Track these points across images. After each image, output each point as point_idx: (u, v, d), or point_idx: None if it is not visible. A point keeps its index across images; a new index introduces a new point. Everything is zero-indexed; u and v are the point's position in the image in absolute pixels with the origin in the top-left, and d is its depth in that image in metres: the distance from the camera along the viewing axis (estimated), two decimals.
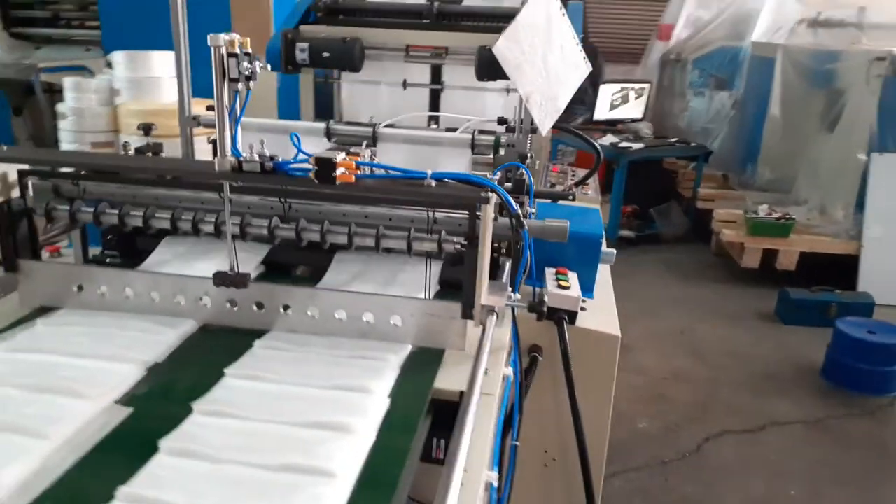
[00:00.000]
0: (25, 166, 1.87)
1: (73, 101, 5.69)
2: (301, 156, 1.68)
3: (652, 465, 3.21)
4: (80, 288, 1.83)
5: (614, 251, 2.33)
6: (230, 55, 1.60)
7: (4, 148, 1.84)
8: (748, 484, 3.16)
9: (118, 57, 6.28)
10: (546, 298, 1.80)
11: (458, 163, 2.63)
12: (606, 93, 7.41)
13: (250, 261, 1.96)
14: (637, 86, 7.54)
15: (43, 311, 1.84)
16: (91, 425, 1.36)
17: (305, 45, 3.79)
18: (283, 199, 1.86)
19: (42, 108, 7.77)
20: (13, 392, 1.44)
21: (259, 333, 1.76)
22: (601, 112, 7.42)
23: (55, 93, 8.05)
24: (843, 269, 5.44)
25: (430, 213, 1.80)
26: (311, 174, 1.59)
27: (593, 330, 2.07)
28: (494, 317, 1.64)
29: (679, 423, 3.60)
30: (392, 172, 1.67)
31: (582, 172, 4.12)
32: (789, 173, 6.55)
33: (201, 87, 6.47)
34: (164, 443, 1.29)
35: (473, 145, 2.60)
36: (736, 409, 3.79)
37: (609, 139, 6.77)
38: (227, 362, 1.59)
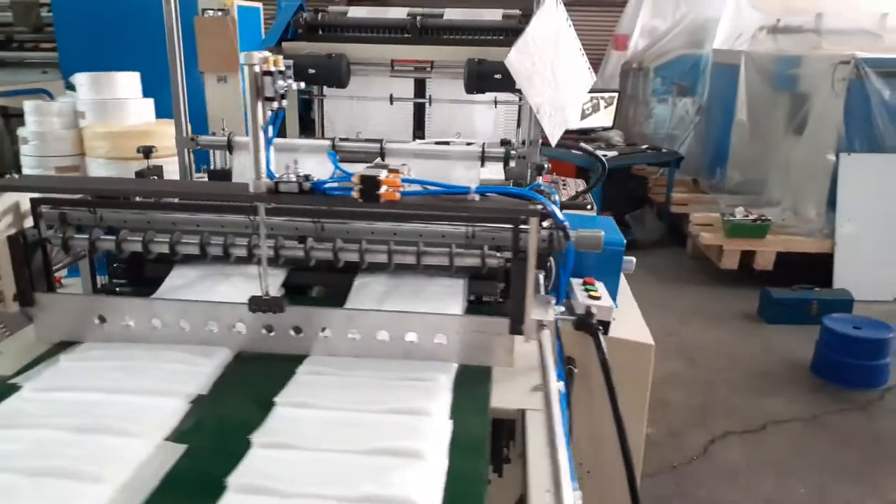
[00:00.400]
0: (37, 194, 1.78)
1: (34, 124, 5.50)
2: (337, 174, 1.64)
3: (664, 471, 3.21)
4: (103, 319, 1.75)
5: (634, 259, 2.33)
6: (265, 73, 1.55)
7: (17, 176, 1.75)
8: (758, 484, 3.19)
9: (81, 79, 6.11)
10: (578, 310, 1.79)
11: (467, 176, 2.61)
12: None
13: (270, 284, 1.89)
14: (607, 94, 7.63)
15: (62, 345, 1.75)
16: (147, 465, 1.29)
17: (290, 62, 3.72)
18: (316, 220, 1.80)
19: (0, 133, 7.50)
20: (54, 434, 1.36)
21: (296, 358, 1.70)
22: (573, 121, 7.48)
23: (11, 117, 7.79)
24: (818, 268, 5.57)
25: (469, 229, 1.76)
26: (355, 193, 1.54)
27: (627, 339, 2.06)
28: (548, 331, 1.61)
29: (682, 427, 3.62)
30: (432, 188, 1.64)
31: (571, 182, 4.14)
32: (758, 176, 6.70)
33: (164, 107, 6.34)
34: (232, 480, 1.23)
35: (483, 158, 2.58)
36: (735, 410, 3.83)
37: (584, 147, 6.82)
38: (271, 391, 1.53)
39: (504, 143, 2.84)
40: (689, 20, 9.14)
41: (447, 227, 1.80)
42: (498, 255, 1.72)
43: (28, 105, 5.70)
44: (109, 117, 5.91)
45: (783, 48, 6.84)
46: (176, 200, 1.98)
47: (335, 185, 1.60)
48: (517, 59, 2.28)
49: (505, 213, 1.64)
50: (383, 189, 1.53)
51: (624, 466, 1.84)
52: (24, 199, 1.75)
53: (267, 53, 1.58)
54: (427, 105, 4.04)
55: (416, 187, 1.68)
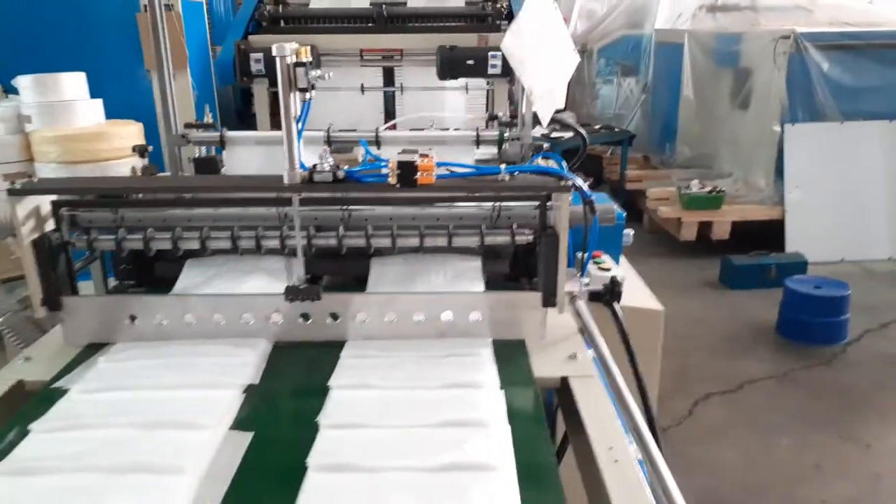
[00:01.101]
0: (57, 196, 1.76)
1: None
2: (370, 160, 1.68)
3: None
4: (133, 319, 1.74)
5: (632, 231, 2.43)
6: (298, 64, 1.57)
7: (36, 179, 1.72)
8: (744, 440, 3.37)
9: (24, 81, 5.88)
10: (588, 282, 1.87)
11: (463, 160, 2.66)
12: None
13: (284, 276, 1.89)
14: None
15: (91, 348, 1.73)
16: (221, 455, 1.30)
17: (260, 55, 3.71)
18: (344, 208, 1.82)
19: None
20: (120, 432, 1.36)
21: (333, 345, 1.72)
22: (560, 102, 7.59)
23: None
24: (771, 234, 5.84)
25: (496, 208, 1.81)
26: (392, 179, 1.58)
27: (637, 307, 2.16)
28: (581, 301, 1.69)
29: (666, 392, 3.76)
30: (462, 171, 1.69)
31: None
32: (708, 149, 6.96)
33: (112, 107, 6.16)
34: (311, 461, 1.26)
35: (478, 141, 2.64)
36: (712, 373, 4.01)
37: (539, 130, 6.94)
38: (319, 376, 1.56)
39: (493, 118, 2.90)
40: (627, 2, 9.36)
41: (472, 208, 1.85)
42: (526, 231, 1.78)
43: None
44: (58, 120, 5.72)
45: (723, 26, 7.11)
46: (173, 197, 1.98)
47: (371, 172, 1.63)
48: (511, 42, 2.34)
49: (539, 189, 1.70)
50: (419, 174, 1.58)
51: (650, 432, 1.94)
52: (45, 203, 1.72)
53: (295, 45, 1.59)
54: (399, 93, 4.06)
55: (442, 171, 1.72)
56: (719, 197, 5.97)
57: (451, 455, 1.26)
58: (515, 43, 2.37)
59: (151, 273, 2.05)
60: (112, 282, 2.03)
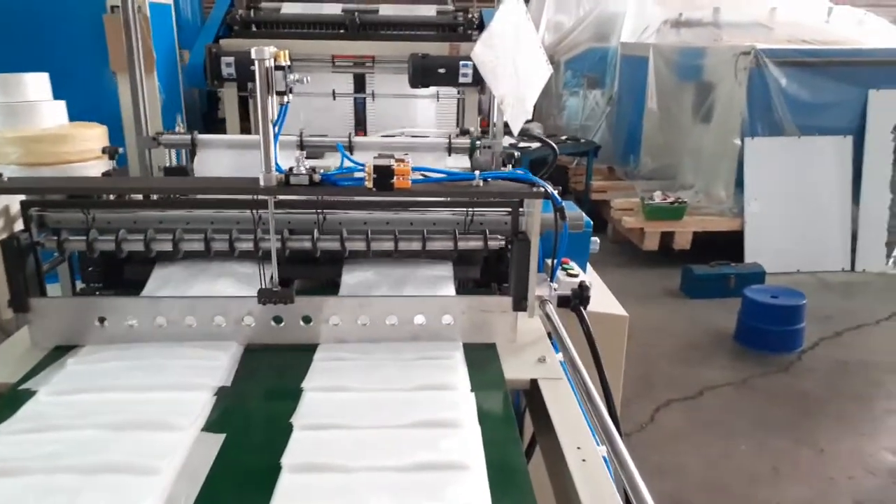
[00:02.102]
0: (26, 196, 1.74)
1: None
2: (346, 164, 1.69)
3: None
4: (103, 321, 1.72)
5: (597, 239, 2.49)
6: (277, 68, 1.58)
7: (6, 178, 1.70)
8: (704, 445, 3.45)
9: None
10: (557, 287, 1.91)
11: (436, 167, 2.69)
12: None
13: (255, 280, 1.89)
14: None
15: (58, 350, 1.71)
16: (194, 456, 1.31)
17: (231, 59, 3.69)
18: (319, 211, 1.84)
19: None
20: (91, 433, 1.35)
21: (305, 348, 1.73)
22: (530, 112, 7.67)
23: None
24: (731, 244, 5.99)
25: (469, 214, 1.85)
26: (368, 182, 1.60)
27: (602, 312, 2.21)
28: (551, 305, 1.73)
29: (630, 397, 3.84)
30: (437, 176, 1.72)
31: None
32: (671, 161, 7.12)
33: (75, 109, 6.07)
34: (286, 461, 1.27)
35: (450, 149, 2.67)
36: (673, 379, 4.10)
37: (507, 140, 7.02)
38: (292, 378, 1.57)
39: (464, 132, 2.93)
40: (594, 15, 9.51)
41: (446, 214, 1.88)
42: (499, 237, 1.82)
43: None
44: (20, 121, 5.60)
45: (687, 41, 7.28)
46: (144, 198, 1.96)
47: (347, 176, 1.65)
48: (482, 52, 2.37)
49: (512, 195, 1.74)
50: (396, 178, 1.60)
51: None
52: (14, 202, 1.71)
53: (273, 49, 1.61)
54: (371, 100, 4.07)
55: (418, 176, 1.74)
56: (681, 207, 6.10)
57: (424, 454, 1.29)
58: (486, 52, 2.40)
59: (120, 276, 2.03)
60: (80, 285, 2.01)
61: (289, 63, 1.63)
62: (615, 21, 8.93)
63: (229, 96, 3.98)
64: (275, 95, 1.61)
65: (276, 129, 1.65)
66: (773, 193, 6.07)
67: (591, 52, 9.19)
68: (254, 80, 3.69)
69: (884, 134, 6.02)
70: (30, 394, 1.50)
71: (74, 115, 6.00)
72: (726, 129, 6.23)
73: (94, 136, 5.83)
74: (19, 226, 1.74)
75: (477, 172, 1.69)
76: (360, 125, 4.13)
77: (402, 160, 1.67)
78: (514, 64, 2.58)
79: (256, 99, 1.60)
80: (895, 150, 6.02)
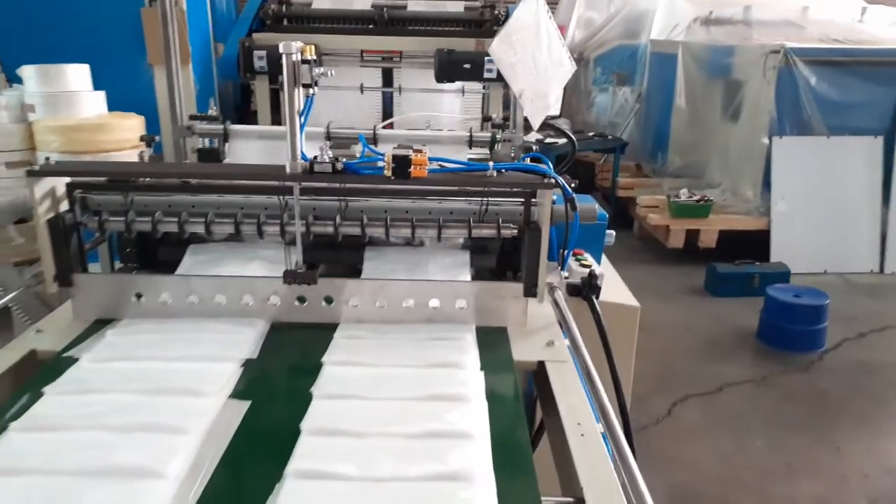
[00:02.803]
0: (71, 179, 1.87)
1: None
2: (367, 154, 1.79)
3: (634, 431, 3.46)
4: (139, 297, 1.85)
5: (613, 232, 2.55)
6: (304, 61, 1.68)
7: (54, 161, 1.83)
8: (719, 439, 3.49)
9: (28, 71, 5.97)
10: (567, 276, 1.99)
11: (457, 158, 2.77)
12: None
13: (281, 264, 2.00)
14: None
15: (98, 323, 1.84)
16: (221, 419, 1.42)
17: (263, 52, 3.81)
18: (342, 198, 1.94)
19: None
20: (127, 397, 1.47)
21: (326, 327, 1.83)
22: (555, 108, 7.73)
23: None
24: (756, 243, 5.98)
25: (483, 204, 1.93)
26: (387, 171, 1.69)
27: (615, 302, 2.28)
28: (560, 291, 1.81)
29: (646, 392, 3.89)
30: (454, 166, 1.81)
31: None
32: (698, 159, 7.11)
33: (113, 100, 6.26)
34: (304, 425, 1.37)
35: (471, 142, 2.75)
36: (692, 375, 4.13)
37: (534, 136, 7.07)
38: (314, 354, 1.67)
39: (486, 119, 3.01)
40: (625, 12, 9.51)
41: (462, 203, 1.96)
42: (512, 226, 1.90)
43: None
44: (61, 111, 5.82)
45: (717, 38, 7.25)
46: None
47: (367, 164, 1.74)
48: (499, 47, 2.44)
49: (524, 186, 1.82)
50: (413, 167, 1.69)
51: (622, 424, 2.06)
52: (60, 184, 1.83)
53: (300, 43, 1.70)
54: (397, 94, 4.17)
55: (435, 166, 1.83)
56: (707, 206, 6.10)
57: (433, 424, 1.38)
58: (504, 48, 2.48)
59: (155, 257, 2.15)
60: (118, 265, 2.14)
61: (314, 57, 1.73)
62: (645, 18, 8.92)
63: (261, 88, 4.11)
64: (301, 88, 1.71)
65: (302, 119, 1.75)
66: (801, 193, 6.03)
67: (621, 48, 9.19)
68: (282, 73, 3.82)
69: None
70: (73, 361, 1.63)
71: (114, 106, 6.20)
72: (754, 127, 6.21)
73: (132, 125, 6.03)
74: (65, 206, 1.86)
75: (491, 163, 1.78)
76: (388, 118, 4.23)
77: (420, 150, 1.77)
78: (535, 60, 2.65)
79: (284, 91, 1.70)
80: None
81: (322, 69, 1.73)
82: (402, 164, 1.68)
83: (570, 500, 1.28)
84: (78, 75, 6.12)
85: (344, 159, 1.79)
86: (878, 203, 6.02)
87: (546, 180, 1.76)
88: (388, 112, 4.24)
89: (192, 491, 1.21)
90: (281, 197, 1.91)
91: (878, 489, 3.15)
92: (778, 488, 3.13)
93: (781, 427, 3.63)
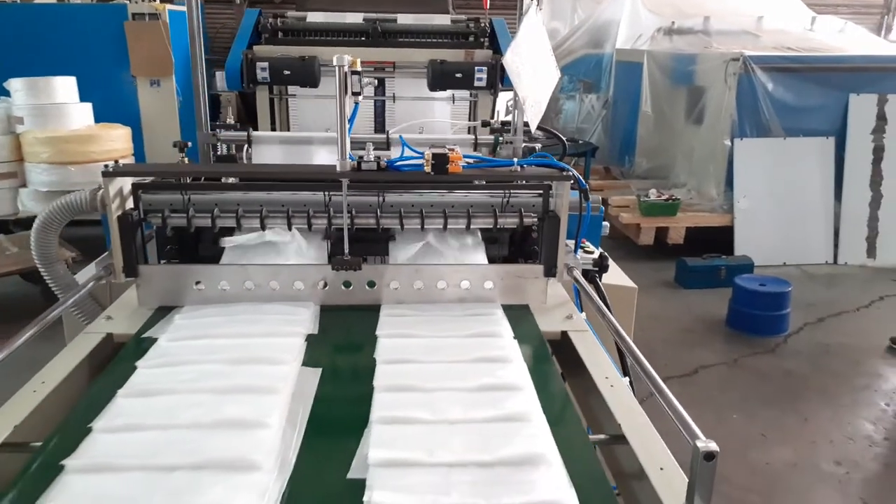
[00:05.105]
0: (135, 180, 2.06)
1: None
2: (407, 152, 2.03)
3: None
4: (198, 284, 2.04)
5: (608, 224, 2.82)
6: (353, 72, 1.91)
7: (122, 164, 2.02)
8: (700, 415, 3.76)
9: (16, 84, 6.08)
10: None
11: None
12: (501, 99, 8.02)
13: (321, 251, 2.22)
14: None
15: (161, 310, 2.03)
16: (301, 382, 1.63)
17: (266, 63, 4.02)
18: (379, 193, 2.16)
19: None
20: (213, 367, 1.67)
21: (370, 308, 2.06)
22: (499, 116, 8.04)
23: None
24: (721, 239, 6.36)
25: (506, 196, 2.18)
26: (427, 167, 1.93)
27: (615, 284, 2.55)
28: (578, 271, 2.07)
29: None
30: (482, 163, 2.06)
31: None
32: (664, 161, 7.49)
33: (102, 111, 6.41)
34: (377, 383, 1.60)
35: (476, 145, 3.00)
36: (670, 360, 4.44)
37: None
38: (365, 330, 1.90)
39: (485, 124, 3.26)
40: (590, 23, 9.90)
41: (484, 196, 2.21)
42: (532, 215, 2.15)
43: None
44: (49, 122, 5.91)
45: (679, 47, 7.66)
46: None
47: (407, 162, 1.98)
48: (511, 58, 2.70)
49: (545, 178, 2.08)
50: (450, 164, 1.93)
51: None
52: (126, 184, 2.03)
53: (349, 57, 1.93)
54: (392, 102, 4.40)
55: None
56: (675, 204, 6.46)
57: (486, 379, 1.62)
58: (514, 59, 2.75)
59: (195, 252, 2.35)
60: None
61: (360, 69, 1.96)
62: (609, 29, 9.30)
63: (261, 98, 4.30)
64: (351, 96, 1.94)
65: (350, 124, 1.98)
66: (761, 191, 6.43)
67: (587, 58, 9.56)
68: (284, 83, 4.02)
69: (863, 135, 6.41)
70: (151, 341, 1.82)
71: (98, 117, 6.30)
72: (717, 130, 6.60)
73: (119, 136, 6.17)
74: (130, 205, 2.06)
75: (515, 159, 2.03)
76: (381, 125, 4.45)
77: (453, 149, 2.01)
78: (534, 69, 2.92)
79: (336, 99, 1.92)
80: (874, 150, 6.41)
81: (368, 79, 1.96)
82: (440, 162, 1.92)
83: (609, 436, 1.53)
84: (65, 87, 6.24)
85: (385, 159, 2.02)
86: (831, 199, 6.45)
87: (564, 173, 2.02)
88: (380, 119, 4.46)
89: (294, 439, 1.43)
90: (326, 193, 2.12)
91: (842, 453, 3.48)
92: (756, 454, 3.45)
93: (754, 402, 3.95)
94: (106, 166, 1.92)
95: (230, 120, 3.04)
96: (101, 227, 4.30)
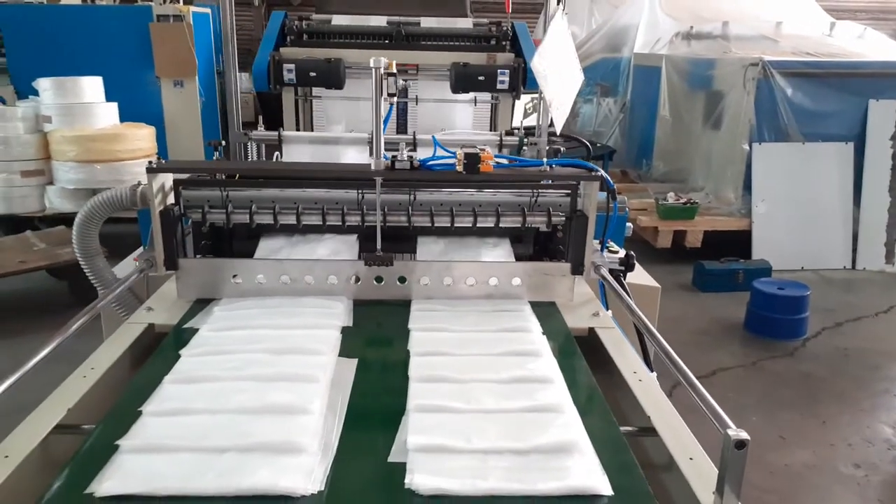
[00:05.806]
0: (176, 176, 2.13)
1: None
2: (440, 152, 2.09)
3: None
4: (235, 277, 2.11)
5: (632, 225, 2.87)
6: (389, 74, 1.97)
7: (164, 161, 2.09)
8: None
9: (45, 83, 6.20)
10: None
11: None
12: (520, 102, 8.07)
13: (350, 248, 2.28)
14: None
15: (199, 302, 2.10)
16: (339, 371, 1.69)
17: (292, 65, 4.10)
18: (411, 191, 2.22)
19: None
20: (259, 356, 1.74)
21: (401, 303, 2.12)
22: (516, 120, 8.08)
23: None
24: (739, 243, 6.36)
25: (534, 195, 2.23)
26: (459, 167, 1.99)
27: (638, 284, 2.59)
28: (605, 269, 2.11)
29: None
30: (514, 163, 2.11)
31: None
32: (682, 165, 7.50)
33: (126, 111, 6.52)
34: (412, 373, 1.66)
35: (501, 146, 3.06)
36: (688, 362, 4.42)
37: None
38: (397, 324, 1.96)
39: (509, 133, 3.32)
40: (608, 27, 9.94)
41: (511, 196, 2.26)
42: (560, 214, 2.20)
43: None
44: (76, 121, 6.02)
45: (697, 52, 7.67)
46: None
47: (440, 162, 2.04)
48: (538, 62, 2.76)
49: (575, 179, 2.13)
50: (482, 163, 1.99)
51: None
52: (168, 180, 2.10)
53: (385, 59, 1.99)
54: (414, 104, 4.46)
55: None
56: (694, 208, 6.48)
57: (517, 371, 1.68)
58: (541, 62, 2.80)
59: (230, 247, 2.42)
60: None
61: (396, 72, 2.01)
62: (627, 33, 9.33)
63: (287, 99, 4.38)
64: (386, 97, 2.00)
65: (384, 125, 2.04)
66: (779, 196, 6.44)
67: (604, 61, 9.59)
68: (310, 85, 4.09)
69: (883, 141, 6.40)
70: (193, 331, 1.89)
71: (122, 117, 6.42)
72: (735, 135, 6.62)
73: (144, 135, 6.27)
74: (171, 200, 2.13)
75: (544, 159, 2.08)
76: (403, 126, 4.51)
77: (484, 149, 2.07)
78: (560, 72, 2.98)
79: (372, 100, 1.98)
80: (893, 156, 6.40)
81: (403, 81, 2.02)
82: (472, 161, 1.98)
83: (638, 428, 1.58)
84: (92, 87, 6.35)
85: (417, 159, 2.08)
86: (850, 204, 6.44)
87: (592, 173, 2.07)
88: (402, 121, 4.53)
89: (335, 424, 1.48)
90: (359, 191, 2.19)
91: (861, 456, 3.50)
92: (774, 456, 3.47)
93: (773, 405, 3.97)
94: (150, 163, 1.99)
95: (260, 127, 3.12)
96: (120, 224, 4.39)
